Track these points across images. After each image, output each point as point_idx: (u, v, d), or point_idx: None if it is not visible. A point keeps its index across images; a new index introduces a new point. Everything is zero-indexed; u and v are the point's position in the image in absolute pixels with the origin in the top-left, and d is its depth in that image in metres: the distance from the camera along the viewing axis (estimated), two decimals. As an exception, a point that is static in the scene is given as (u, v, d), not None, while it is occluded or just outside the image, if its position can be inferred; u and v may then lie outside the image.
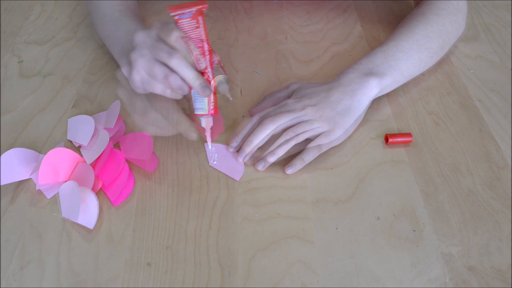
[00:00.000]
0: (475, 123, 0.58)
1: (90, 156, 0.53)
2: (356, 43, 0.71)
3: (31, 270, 0.45)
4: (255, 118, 0.55)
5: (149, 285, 0.43)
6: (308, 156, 0.52)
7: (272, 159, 0.52)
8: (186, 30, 0.46)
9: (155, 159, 0.54)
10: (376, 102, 0.60)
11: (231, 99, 0.54)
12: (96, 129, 0.56)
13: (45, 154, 0.51)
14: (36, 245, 0.47)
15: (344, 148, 0.55)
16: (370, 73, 0.55)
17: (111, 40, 0.61)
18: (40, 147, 0.56)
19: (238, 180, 0.52)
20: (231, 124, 0.59)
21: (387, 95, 0.60)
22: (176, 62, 0.45)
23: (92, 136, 0.55)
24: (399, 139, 0.55)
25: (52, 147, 0.54)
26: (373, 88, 0.55)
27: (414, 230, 0.47)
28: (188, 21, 0.46)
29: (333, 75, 0.65)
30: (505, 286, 0.43)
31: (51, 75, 0.66)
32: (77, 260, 0.45)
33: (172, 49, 0.46)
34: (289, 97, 0.58)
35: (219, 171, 0.53)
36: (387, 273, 0.44)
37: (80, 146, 0.55)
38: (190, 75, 0.46)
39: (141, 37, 0.47)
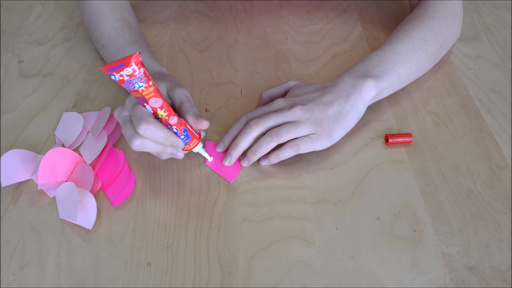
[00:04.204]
0: (475, 123, 0.58)
1: (89, 156, 0.53)
2: (356, 43, 0.71)
3: (31, 270, 0.45)
4: (242, 119, 0.54)
5: (149, 285, 0.43)
6: (284, 154, 0.51)
7: (253, 158, 0.52)
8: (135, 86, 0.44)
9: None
10: (376, 102, 0.60)
11: (210, 159, 0.54)
12: (84, 129, 0.57)
13: (44, 154, 0.51)
14: (36, 245, 0.47)
15: (344, 148, 0.55)
16: (366, 76, 0.54)
17: (106, 53, 0.62)
18: (40, 147, 0.56)
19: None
20: (231, 124, 0.58)
21: (388, 95, 0.60)
22: (143, 129, 0.46)
23: (78, 137, 0.55)
24: (399, 140, 0.55)
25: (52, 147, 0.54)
26: (369, 91, 0.53)
27: (414, 230, 0.47)
28: (129, 72, 0.42)
29: (333, 75, 0.65)
30: (505, 286, 0.43)
31: (51, 75, 0.66)
32: (77, 260, 0.45)
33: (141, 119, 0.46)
34: (284, 95, 0.57)
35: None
36: (387, 273, 0.44)
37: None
38: (160, 138, 0.47)
39: (127, 103, 0.48)
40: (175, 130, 0.48)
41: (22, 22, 0.77)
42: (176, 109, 0.51)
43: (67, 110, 0.61)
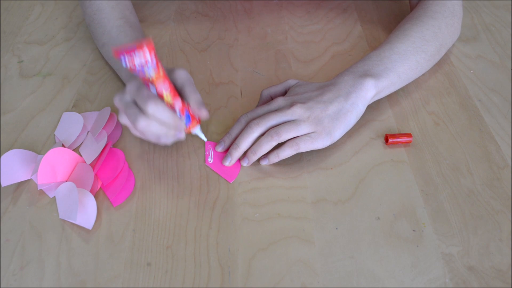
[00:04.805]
0: (475, 123, 0.58)
1: (89, 156, 0.53)
2: (356, 43, 0.71)
3: (31, 270, 0.45)
4: (242, 119, 0.54)
5: (149, 285, 0.43)
6: (284, 153, 0.51)
7: (253, 157, 0.52)
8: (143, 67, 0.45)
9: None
10: (376, 102, 0.60)
11: (205, 140, 0.54)
12: (84, 129, 0.57)
13: (44, 154, 0.51)
14: (36, 245, 0.47)
15: (344, 148, 0.55)
16: (366, 75, 0.54)
17: (115, 65, 0.62)
18: (40, 147, 0.56)
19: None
20: (231, 124, 0.59)
21: (387, 95, 0.60)
22: (152, 109, 0.45)
23: (77, 137, 0.56)
24: (399, 139, 0.55)
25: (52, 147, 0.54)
26: (369, 90, 0.53)
27: (414, 230, 0.47)
28: (139, 56, 0.43)
29: (333, 75, 0.65)
30: (505, 286, 0.43)
31: (51, 75, 0.66)
32: (77, 260, 0.45)
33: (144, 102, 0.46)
34: (284, 93, 0.57)
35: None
36: (387, 273, 0.44)
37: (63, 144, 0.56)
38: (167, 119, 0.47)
39: (129, 89, 0.48)
40: (178, 113, 0.49)
41: (22, 22, 0.77)
42: (177, 90, 0.50)
43: (67, 110, 0.61)
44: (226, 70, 0.67)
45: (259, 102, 0.58)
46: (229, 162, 0.53)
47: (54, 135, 0.57)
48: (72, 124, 0.57)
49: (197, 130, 0.52)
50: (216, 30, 0.74)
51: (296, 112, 0.51)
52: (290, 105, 0.52)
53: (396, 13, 0.77)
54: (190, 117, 0.50)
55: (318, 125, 0.51)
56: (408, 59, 0.57)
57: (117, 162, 0.53)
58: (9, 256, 0.46)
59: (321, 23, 0.75)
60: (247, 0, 0.80)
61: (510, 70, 0.66)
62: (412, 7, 0.69)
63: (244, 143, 0.52)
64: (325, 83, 0.55)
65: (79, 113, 0.59)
